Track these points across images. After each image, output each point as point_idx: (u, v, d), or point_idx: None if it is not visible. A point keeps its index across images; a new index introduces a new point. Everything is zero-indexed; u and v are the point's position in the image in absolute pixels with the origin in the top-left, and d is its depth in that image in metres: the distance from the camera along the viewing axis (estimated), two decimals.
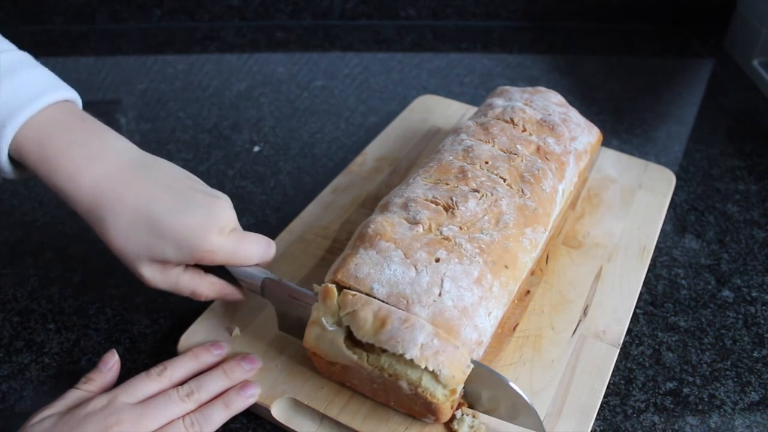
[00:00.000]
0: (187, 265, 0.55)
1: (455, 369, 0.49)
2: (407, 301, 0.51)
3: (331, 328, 0.51)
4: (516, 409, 0.51)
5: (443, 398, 0.49)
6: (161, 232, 0.51)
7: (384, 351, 0.50)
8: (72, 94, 0.54)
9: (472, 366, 0.50)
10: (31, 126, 0.50)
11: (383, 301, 0.52)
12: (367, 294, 0.53)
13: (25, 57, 0.54)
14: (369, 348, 0.51)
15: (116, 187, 0.51)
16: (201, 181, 0.56)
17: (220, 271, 0.57)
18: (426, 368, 0.48)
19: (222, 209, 0.53)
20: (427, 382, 0.49)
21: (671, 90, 1.05)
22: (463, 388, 0.51)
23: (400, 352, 0.48)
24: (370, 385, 0.53)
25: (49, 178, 0.51)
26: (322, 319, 0.52)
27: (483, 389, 0.52)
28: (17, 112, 0.49)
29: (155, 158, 0.55)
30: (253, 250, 0.55)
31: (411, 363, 0.49)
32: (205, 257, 0.52)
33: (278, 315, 0.59)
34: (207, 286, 0.56)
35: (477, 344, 0.52)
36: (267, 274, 0.57)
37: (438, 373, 0.48)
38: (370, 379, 0.52)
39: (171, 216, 0.51)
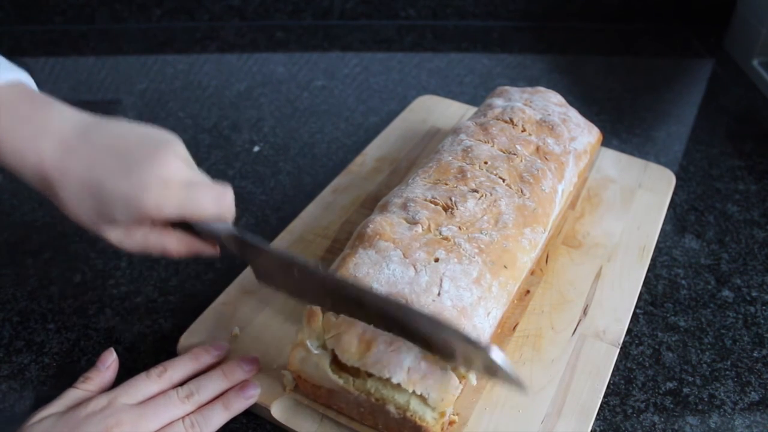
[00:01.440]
0: (154, 224, 0.54)
1: (444, 392, 0.48)
2: (406, 301, 0.51)
3: (316, 352, 0.50)
4: (492, 368, 0.48)
5: (433, 421, 0.49)
6: (106, 196, 0.50)
7: (370, 375, 0.49)
8: (22, 75, 0.53)
9: (460, 387, 0.49)
10: None
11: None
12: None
13: None
14: (355, 372, 0.50)
15: (61, 159, 0.50)
16: (153, 132, 0.53)
17: (189, 228, 0.55)
18: (414, 392, 0.47)
19: (165, 160, 0.51)
20: (415, 405, 0.48)
21: (671, 90, 1.05)
22: (434, 339, 0.49)
23: (387, 376, 0.47)
24: (357, 409, 0.52)
25: (1, 159, 0.50)
26: (307, 341, 0.51)
27: (455, 346, 0.49)
28: None
29: (103, 121, 0.53)
30: (205, 199, 0.52)
31: (398, 387, 0.48)
32: (153, 213, 0.50)
33: (251, 266, 0.56)
34: (176, 243, 0.55)
35: None
36: (228, 230, 0.54)
37: (426, 396, 0.47)
38: (357, 403, 0.51)
39: (113, 179, 0.49)
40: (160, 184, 0.50)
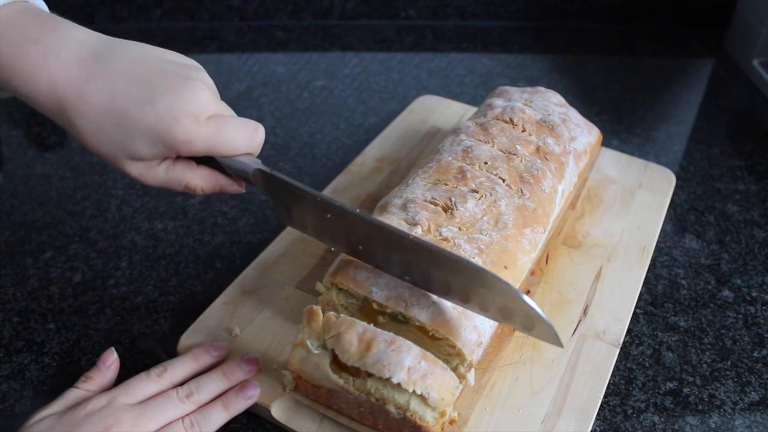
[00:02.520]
0: (177, 158, 0.51)
1: (444, 391, 0.48)
2: (406, 304, 0.51)
3: (316, 351, 0.50)
4: (530, 320, 0.48)
5: (433, 421, 0.49)
6: (130, 127, 0.46)
7: (370, 375, 0.48)
8: None
9: (460, 387, 0.49)
10: None
11: (382, 304, 0.51)
12: (366, 297, 0.53)
13: None
14: (355, 372, 0.49)
15: (76, 84, 0.46)
16: (177, 58, 0.50)
17: (213, 163, 0.53)
18: (414, 392, 0.47)
19: (194, 92, 0.47)
20: (415, 405, 0.48)
21: (671, 90, 1.05)
22: (471, 295, 0.49)
23: (387, 375, 0.47)
24: (357, 409, 0.52)
25: (9, 84, 0.47)
26: (307, 341, 0.51)
27: (492, 298, 0.48)
28: None
29: (119, 42, 0.49)
30: (237, 136, 0.50)
31: (398, 387, 0.48)
32: (182, 148, 0.48)
33: (277, 206, 0.54)
34: (200, 179, 0.52)
35: (477, 345, 0.52)
36: (258, 165, 0.52)
37: (426, 396, 0.47)
38: (357, 403, 0.51)
39: (137, 108, 0.46)
40: (191, 118, 0.47)
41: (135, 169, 0.50)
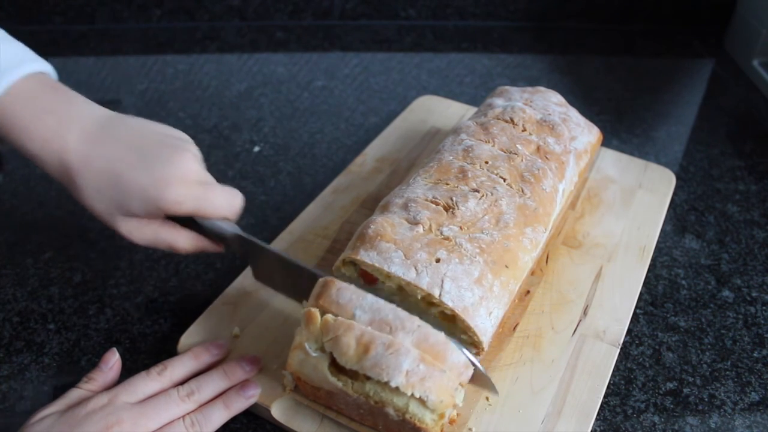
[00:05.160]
0: (165, 220, 0.57)
1: (443, 394, 0.48)
2: (390, 327, 0.50)
3: (314, 354, 0.50)
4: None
5: (432, 423, 0.49)
6: (125, 188, 0.53)
7: (369, 378, 0.48)
8: (46, 67, 0.56)
9: (462, 390, 0.49)
10: (5, 97, 0.52)
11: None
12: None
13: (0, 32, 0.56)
14: (353, 374, 0.49)
15: (84, 150, 0.53)
16: (171, 132, 0.58)
17: (194, 227, 0.59)
18: (412, 395, 0.47)
19: (184, 161, 0.54)
20: (414, 408, 0.48)
21: (671, 90, 1.05)
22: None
23: (385, 379, 0.47)
24: (356, 411, 0.52)
25: (23, 146, 0.53)
26: (306, 344, 0.51)
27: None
28: None
29: (124, 117, 0.56)
30: (221, 199, 0.56)
31: (397, 390, 0.47)
32: (171, 208, 0.54)
33: (251, 266, 0.61)
34: (184, 239, 0.58)
35: (465, 367, 0.51)
36: (236, 230, 0.58)
37: (425, 399, 0.47)
38: (356, 405, 0.51)
39: (134, 172, 0.53)
40: (180, 181, 0.54)
41: (125, 227, 0.56)
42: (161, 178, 0.53)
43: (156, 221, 0.56)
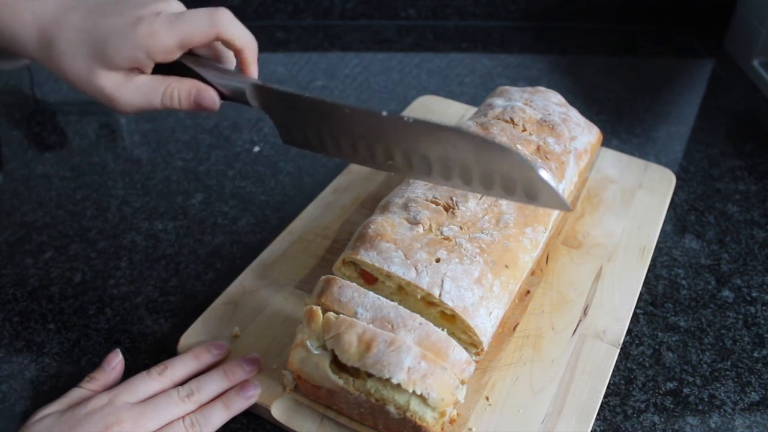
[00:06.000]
0: (156, 75, 0.54)
1: (444, 391, 0.48)
2: (392, 325, 0.50)
3: (316, 352, 0.50)
4: (532, 186, 0.46)
5: (433, 421, 0.49)
6: (101, 33, 0.51)
7: (370, 375, 0.48)
8: None
9: (463, 387, 0.49)
10: None
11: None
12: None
13: None
14: (355, 372, 0.49)
15: (60, 14, 0.52)
16: None
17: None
18: (414, 392, 0.47)
19: (158, 2, 0.53)
20: (415, 406, 0.48)
21: (671, 90, 1.05)
22: (472, 173, 0.47)
23: (387, 376, 0.47)
24: (357, 410, 0.52)
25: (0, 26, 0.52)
26: (307, 342, 0.51)
27: (495, 172, 0.47)
28: None
29: None
30: (198, 15, 0.52)
31: (398, 387, 0.48)
32: (148, 43, 0.51)
33: (277, 126, 0.55)
34: (177, 82, 0.54)
35: (467, 363, 0.51)
36: (252, 80, 0.54)
37: (426, 396, 0.47)
38: (357, 403, 0.51)
39: (109, 18, 0.52)
40: (153, 16, 0.51)
41: (111, 82, 0.52)
42: (134, 16, 0.51)
43: (144, 75, 0.53)
